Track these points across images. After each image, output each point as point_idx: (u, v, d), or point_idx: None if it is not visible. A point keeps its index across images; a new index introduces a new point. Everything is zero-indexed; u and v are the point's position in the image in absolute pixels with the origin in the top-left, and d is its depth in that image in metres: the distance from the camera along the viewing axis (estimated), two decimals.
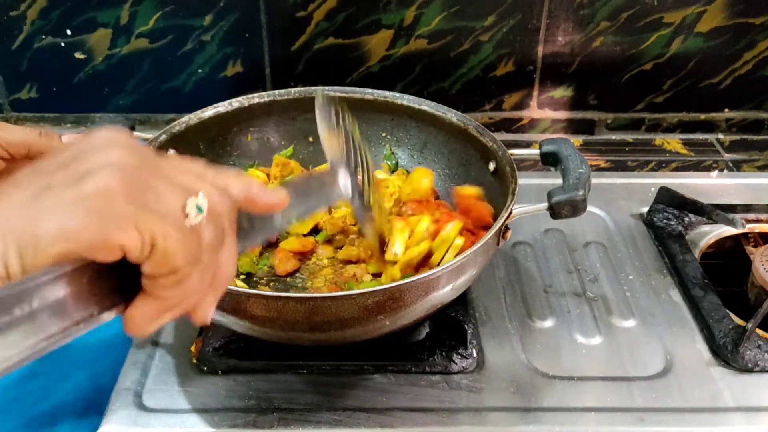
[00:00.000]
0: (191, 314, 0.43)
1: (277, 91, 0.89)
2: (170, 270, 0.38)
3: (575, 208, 0.70)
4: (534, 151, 0.78)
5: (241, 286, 0.73)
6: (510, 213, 0.70)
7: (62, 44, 1.09)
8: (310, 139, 0.93)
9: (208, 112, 0.85)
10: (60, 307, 0.37)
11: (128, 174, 0.37)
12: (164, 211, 0.37)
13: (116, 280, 0.39)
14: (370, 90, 0.89)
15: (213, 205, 0.40)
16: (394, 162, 0.92)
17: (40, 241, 0.34)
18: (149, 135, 0.80)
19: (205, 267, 0.40)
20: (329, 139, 0.63)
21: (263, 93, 0.88)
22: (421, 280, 0.63)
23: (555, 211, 0.70)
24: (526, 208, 0.71)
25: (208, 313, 0.43)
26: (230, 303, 0.63)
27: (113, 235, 0.35)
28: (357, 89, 0.89)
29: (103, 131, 0.39)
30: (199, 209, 0.39)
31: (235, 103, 0.86)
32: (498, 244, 0.72)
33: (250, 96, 0.87)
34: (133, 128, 0.79)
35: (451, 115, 0.85)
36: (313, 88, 0.89)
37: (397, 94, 0.88)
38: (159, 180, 0.38)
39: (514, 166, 0.75)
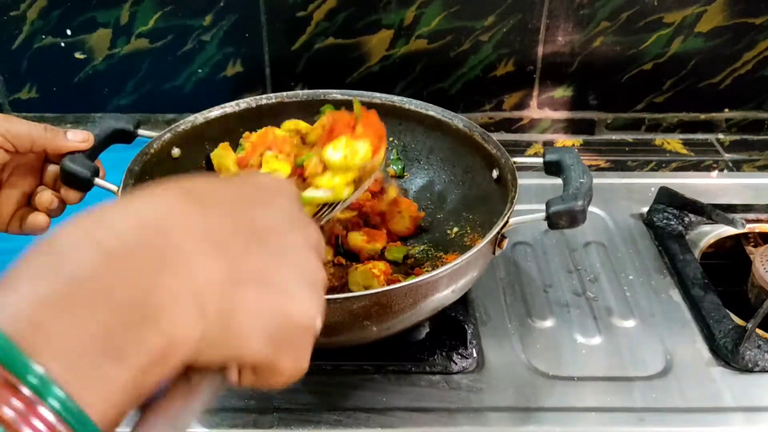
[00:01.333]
0: None
1: (285, 93, 0.88)
2: None
3: (573, 218, 0.68)
4: (537, 160, 0.77)
5: None
6: (506, 222, 0.68)
7: (62, 44, 1.09)
8: None
9: (215, 112, 0.84)
10: None
11: None
12: None
13: None
14: (378, 94, 0.87)
15: None
16: (400, 167, 0.91)
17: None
18: (153, 133, 0.79)
19: None
20: None
21: (271, 94, 0.87)
22: (411, 285, 0.62)
23: (552, 221, 0.68)
24: (523, 218, 0.69)
25: None
26: None
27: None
28: (365, 93, 0.87)
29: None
30: None
31: (243, 103, 0.86)
32: (494, 253, 0.71)
33: (258, 97, 0.87)
34: (137, 126, 0.79)
35: (458, 121, 0.84)
36: (321, 90, 0.88)
37: (405, 99, 0.87)
38: None
39: (516, 174, 0.74)
